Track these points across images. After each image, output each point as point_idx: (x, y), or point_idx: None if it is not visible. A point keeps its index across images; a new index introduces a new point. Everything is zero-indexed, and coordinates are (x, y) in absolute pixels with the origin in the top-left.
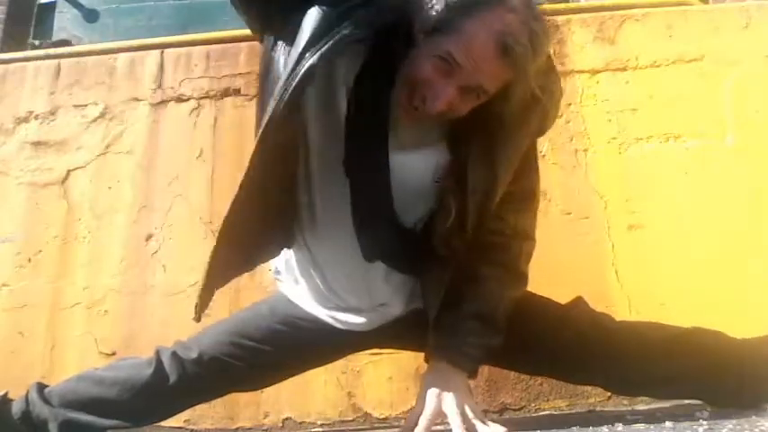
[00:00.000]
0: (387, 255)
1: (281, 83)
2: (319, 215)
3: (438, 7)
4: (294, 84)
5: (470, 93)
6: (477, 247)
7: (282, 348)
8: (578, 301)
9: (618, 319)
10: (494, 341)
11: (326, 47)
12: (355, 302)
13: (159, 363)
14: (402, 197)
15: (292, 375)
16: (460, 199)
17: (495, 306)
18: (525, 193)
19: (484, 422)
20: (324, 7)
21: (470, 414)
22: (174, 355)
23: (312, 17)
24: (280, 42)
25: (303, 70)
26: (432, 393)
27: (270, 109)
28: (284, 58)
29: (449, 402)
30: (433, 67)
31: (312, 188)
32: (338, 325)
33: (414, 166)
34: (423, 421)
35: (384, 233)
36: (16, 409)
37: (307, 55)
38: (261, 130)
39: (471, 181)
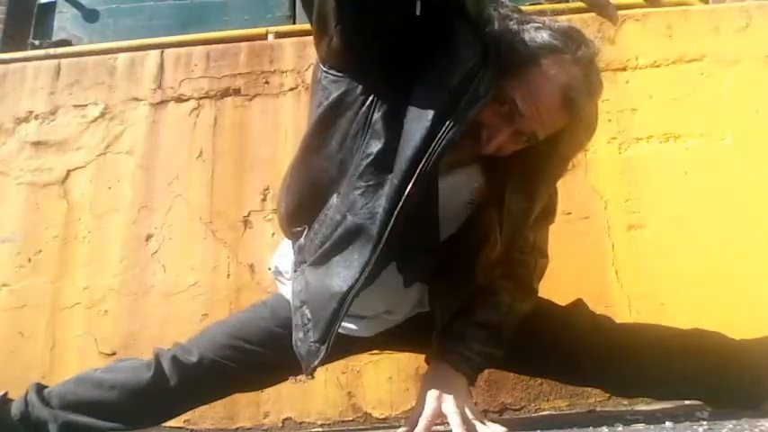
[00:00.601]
0: (423, 278)
1: (409, 153)
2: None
3: (506, 51)
4: (434, 158)
5: (522, 137)
6: (515, 263)
7: (282, 351)
8: (578, 303)
9: (618, 319)
10: (496, 352)
11: (457, 126)
12: (358, 310)
13: (159, 366)
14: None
15: (293, 376)
16: (498, 225)
17: (504, 318)
18: (545, 213)
19: (483, 422)
20: (443, 75)
21: (470, 415)
22: (174, 358)
23: (431, 89)
24: (373, 97)
25: (442, 146)
26: (432, 394)
27: (401, 178)
28: (384, 114)
29: (449, 403)
30: (494, 111)
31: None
32: (339, 330)
33: (449, 189)
34: (422, 421)
35: (426, 260)
36: (15, 410)
37: (439, 135)
38: (400, 196)
39: (508, 206)
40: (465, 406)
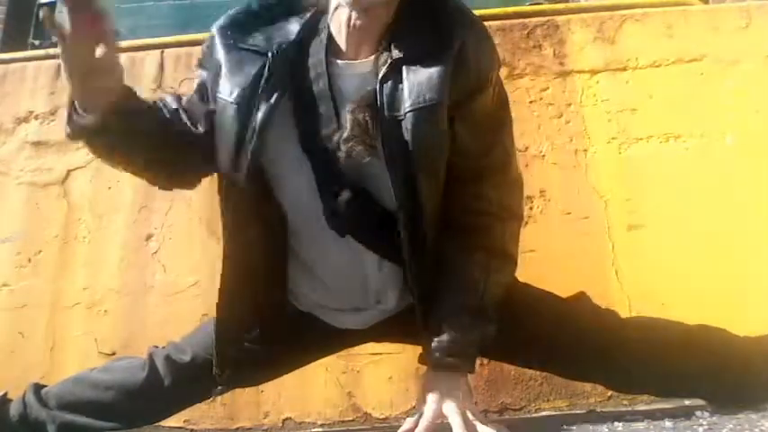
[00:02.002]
0: (354, 225)
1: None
2: (297, 217)
3: None
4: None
5: None
6: (458, 233)
7: (275, 348)
8: (580, 296)
9: None
10: (487, 331)
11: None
12: (350, 302)
13: (153, 366)
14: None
15: (289, 372)
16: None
17: (482, 295)
18: (499, 165)
19: (484, 423)
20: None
21: (471, 416)
22: (168, 358)
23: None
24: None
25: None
26: (432, 395)
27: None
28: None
29: (449, 404)
30: None
31: (284, 196)
32: (335, 323)
33: None
34: (423, 422)
35: (350, 202)
36: (14, 411)
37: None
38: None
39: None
40: (466, 406)
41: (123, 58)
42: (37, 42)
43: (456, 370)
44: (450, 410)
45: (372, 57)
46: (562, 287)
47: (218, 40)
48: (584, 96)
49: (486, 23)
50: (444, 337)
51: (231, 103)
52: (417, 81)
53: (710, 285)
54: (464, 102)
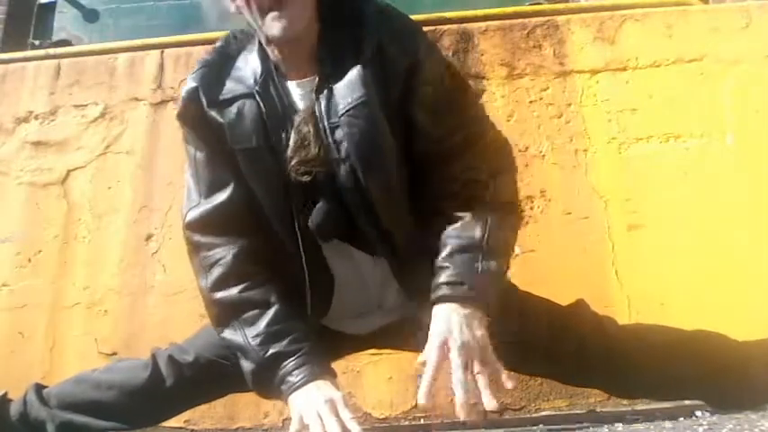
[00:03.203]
0: (333, 229)
1: None
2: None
3: None
4: None
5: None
6: (454, 198)
7: None
8: (579, 305)
9: (618, 319)
10: (492, 266)
11: None
12: (354, 307)
13: (156, 366)
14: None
15: None
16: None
17: (482, 236)
18: (463, 146)
19: (498, 370)
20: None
21: (477, 368)
22: (171, 358)
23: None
24: None
25: None
26: (435, 338)
27: None
28: None
29: (454, 351)
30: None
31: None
32: (334, 327)
33: None
34: (431, 354)
35: (328, 204)
36: (14, 410)
37: None
38: None
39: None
40: (475, 341)
41: (123, 58)
42: (37, 42)
43: (467, 300)
44: (454, 361)
45: (313, 75)
46: (562, 287)
47: (203, 101)
48: (584, 96)
49: (486, 23)
50: (449, 271)
51: (257, 147)
52: (346, 87)
53: (710, 285)
54: (408, 91)
